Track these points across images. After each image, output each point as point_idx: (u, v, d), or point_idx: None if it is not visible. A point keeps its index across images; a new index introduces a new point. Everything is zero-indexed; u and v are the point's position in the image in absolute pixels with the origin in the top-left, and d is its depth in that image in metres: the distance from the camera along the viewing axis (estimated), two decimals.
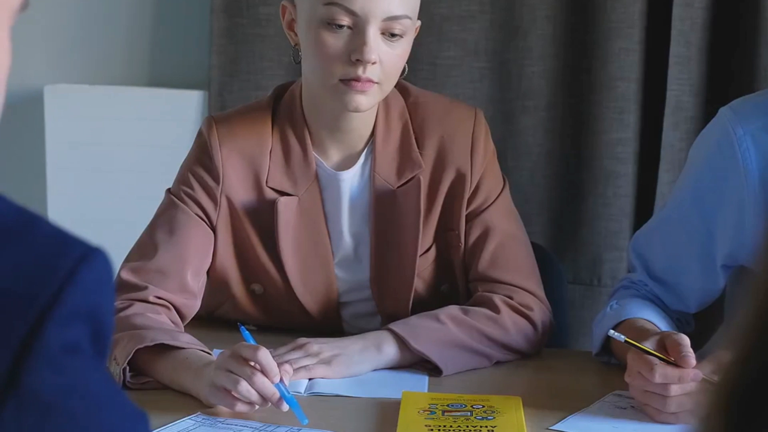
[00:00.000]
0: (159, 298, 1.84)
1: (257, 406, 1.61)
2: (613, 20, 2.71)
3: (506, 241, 1.94)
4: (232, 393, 1.60)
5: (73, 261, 0.80)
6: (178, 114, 2.97)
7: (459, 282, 1.96)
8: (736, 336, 0.68)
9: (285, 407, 1.60)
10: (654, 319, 1.83)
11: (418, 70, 2.74)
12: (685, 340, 1.65)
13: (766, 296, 0.67)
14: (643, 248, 1.94)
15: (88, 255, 0.81)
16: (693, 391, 1.61)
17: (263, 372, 1.59)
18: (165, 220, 1.90)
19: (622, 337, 1.66)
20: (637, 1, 2.69)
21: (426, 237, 1.93)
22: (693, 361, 1.62)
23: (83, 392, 0.80)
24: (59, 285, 0.79)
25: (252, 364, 1.60)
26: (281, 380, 1.61)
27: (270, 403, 1.60)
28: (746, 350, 0.67)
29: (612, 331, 1.69)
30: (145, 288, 1.83)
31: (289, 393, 1.61)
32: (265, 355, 1.61)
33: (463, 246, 1.94)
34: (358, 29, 1.78)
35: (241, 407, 1.61)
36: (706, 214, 1.84)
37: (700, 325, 2.02)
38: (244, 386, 1.59)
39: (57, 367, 0.79)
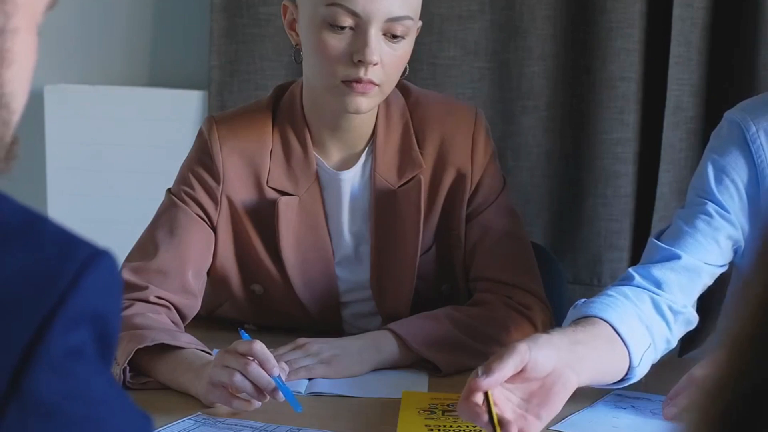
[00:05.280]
0: (159, 298, 1.84)
1: (256, 403, 1.61)
2: (613, 20, 2.71)
3: (506, 240, 1.94)
4: (229, 388, 1.60)
5: (78, 264, 0.79)
6: (178, 114, 2.97)
7: (459, 282, 1.96)
8: (726, 350, 0.64)
9: (281, 397, 1.60)
10: (617, 320, 1.71)
11: (418, 70, 2.74)
12: (502, 361, 1.46)
13: (762, 307, 0.63)
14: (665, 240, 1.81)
15: (94, 257, 0.80)
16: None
17: (260, 364, 1.60)
18: (165, 220, 1.90)
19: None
20: (637, 1, 2.69)
21: (426, 237, 1.93)
22: (480, 384, 1.44)
23: (87, 397, 0.79)
24: (63, 289, 0.78)
25: (249, 358, 1.60)
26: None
27: (266, 395, 1.59)
28: (739, 366, 0.63)
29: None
30: (146, 288, 1.83)
31: (284, 384, 1.61)
32: (260, 347, 1.61)
33: (463, 246, 1.94)
34: (359, 30, 1.78)
35: (238, 405, 1.61)
36: (726, 203, 1.81)
37: (701, 324, 2.02)
38: (238, 378, 1.59)
39: (60, 371, 0.78)
